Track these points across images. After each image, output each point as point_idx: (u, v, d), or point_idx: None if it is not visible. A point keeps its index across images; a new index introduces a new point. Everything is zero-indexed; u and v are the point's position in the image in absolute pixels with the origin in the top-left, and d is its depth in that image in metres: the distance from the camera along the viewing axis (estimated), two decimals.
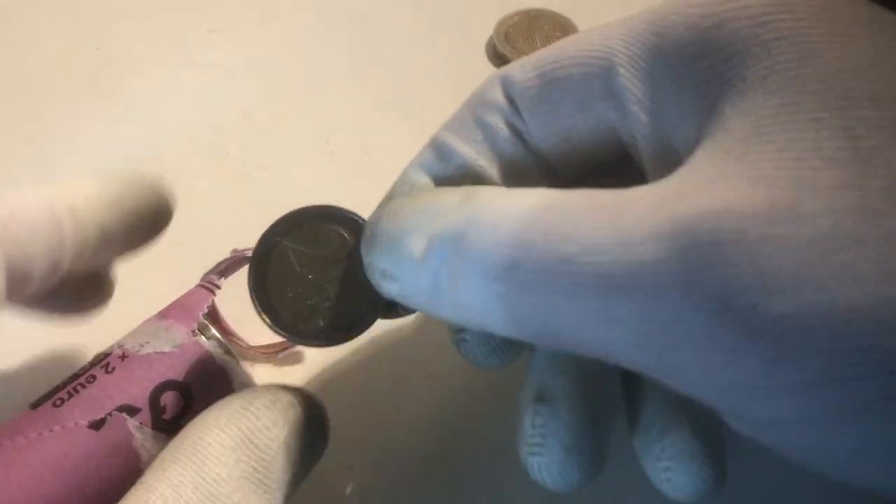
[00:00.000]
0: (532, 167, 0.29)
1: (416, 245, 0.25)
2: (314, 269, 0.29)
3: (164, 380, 0.29)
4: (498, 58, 0.54)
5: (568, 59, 0.27)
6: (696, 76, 0.23)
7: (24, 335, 0.40)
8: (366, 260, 0.27)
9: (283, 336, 0.28)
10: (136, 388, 0.29)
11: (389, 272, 0.26)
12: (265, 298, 0.28)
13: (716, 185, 0.20)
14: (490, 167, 0.29)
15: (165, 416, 0.29)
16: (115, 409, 0.28)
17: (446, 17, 0.56)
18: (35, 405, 0.30)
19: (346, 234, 0.29)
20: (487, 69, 0.53)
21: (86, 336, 0.33)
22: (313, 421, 0.27)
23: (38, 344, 0.38)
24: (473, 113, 0.29)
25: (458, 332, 0.28)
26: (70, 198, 0.26)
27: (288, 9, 0.56)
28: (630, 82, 0.25)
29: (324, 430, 0.28)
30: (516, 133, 0.29)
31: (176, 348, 0.30)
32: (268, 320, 0.28)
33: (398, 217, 0.26)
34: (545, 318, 0.22)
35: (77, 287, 0.30)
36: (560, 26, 0.55)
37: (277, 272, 0.29)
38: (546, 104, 0.28)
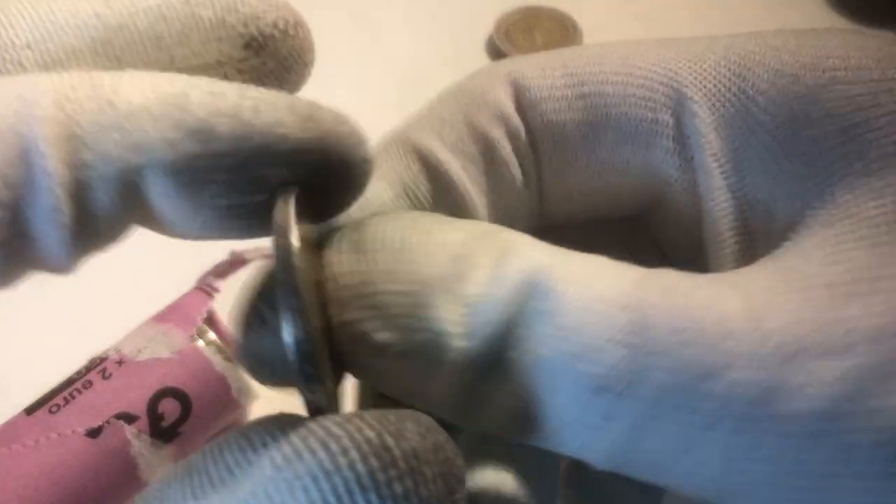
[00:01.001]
0: (522, 203, 0.23)
1: (449, 312, 0.17)
2: None
3: (162, 386, 0.29)
4: (498, 55, 0.53)
5: (615, 74, 0.22)
6: (799, 141, 0.20)
7: (19, 334, 0.39)
8: (336, 313, 0.18)
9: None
10: (134, 395, 0.29)
11: (398, 349, 0.17)
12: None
13: (872, 296, 0.17)
14: (479, 196, 0.22)
15: (164, 424, 0.29)
16: (112, 417, 0.28)
17: (446, 14, 0.56)
18: (30, 410, 0.29)
19: None
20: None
21: (81, 338, 0.33)
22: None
23: (32, 345, 0.38)
24: (470, 119, 0.22)
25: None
26: None
27: None
28: (706, 126, 0.21)
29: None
30: (519, 154, 0.22)
31: (174, 354, 0.30)
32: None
33: (412, 257, 0.18)
34: (663, 450, 0.17)
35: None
36: (560, 23, 0.55)
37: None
38: (579, 128, 0.22)
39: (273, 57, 0.20)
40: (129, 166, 0.16)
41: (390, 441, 0.15)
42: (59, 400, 0.29)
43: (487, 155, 0.22)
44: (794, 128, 0.20)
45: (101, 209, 0.16)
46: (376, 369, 0.18)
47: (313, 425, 0.15)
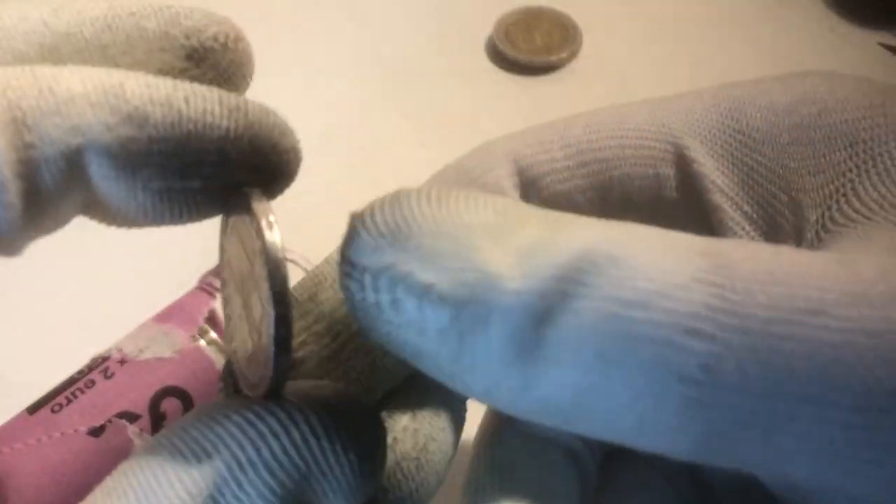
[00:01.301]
0: None
1: (500, 255, 0.15)
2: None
3: (164, 386, 0.29)
4: (498, 55, 0.53)
5: (610, 139, 0.22)
6: (808, 160, 0.21)
7: (21, 334, 0.39)
8: (371, 261, 0.16)
9: None
10: (136, 395, 0.29)
11: (443, 289, 0.15)
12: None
13: None
14: None
15: (165, 423, 0.29)
16: (114, 416, 0.28)
17: (446, 15, 0.56)
18: (33, 409, 0.29)
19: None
20: (487, 67, 0.53)
21: (83, 337, 0.33)
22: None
23: (34, 344, 0.38)
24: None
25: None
26: None
27: (287, 8, 0.56)
28: (708, 168, 0.22)
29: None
30: None
31: (176, 353, 0.30)
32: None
33: (454, 204, 0.16)
34: (766, 423, 0.15)
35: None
36: (560, 24, 0.55)
37: None
38: (585, 194, 0.22)
39: (213, 68, 0.21)
40: (69, 147, 0.17)
41: (332, 400, 0.18)
42: (61, 399, 0.29)
43: None
44: (798, 150, 0.21)
45: (45, 188, 0.17)
46: (413, 322, 0.16)
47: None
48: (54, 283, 0.40)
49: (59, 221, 0.19)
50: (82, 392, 0.29)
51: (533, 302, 0.15)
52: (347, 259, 0.16)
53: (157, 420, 0.29)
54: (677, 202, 0.22)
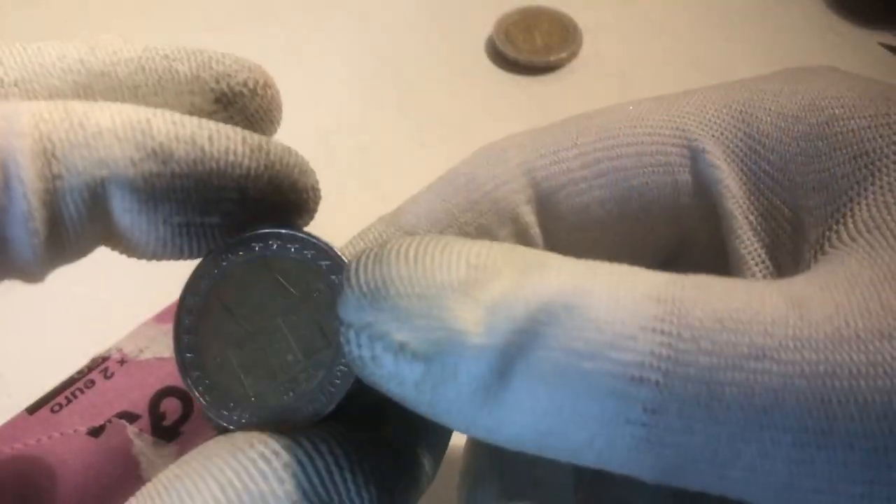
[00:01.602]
0: None
1: (466, 313, 0.17)
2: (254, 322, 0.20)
3: (163, 386, 0.29)
4: (498, 55, 0.53)
5: (627, 146, 0.22)
6: (813, 173, 0.21)
7: (21, 334, 0.39)
8: (354, 318, 0.17)
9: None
10: (136, 395, 0.29)
11: (415, 347, 0.17)
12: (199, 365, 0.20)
13: None
14: None
15: (165, 423, 0.29)
16: (114, 416, 0.28)
17: (445, 15, 0.56)
18: (32, 410, 0.29)
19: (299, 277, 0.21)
20: (487, 67, 0.53)
21: (82, 337, 0.33)
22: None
23: (34, 344, 0.38)
24: (476, 217, 0.23)
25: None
26: None
27: (287, 7, 0.56)
28: (723, 174, 0.22)
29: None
30: (527, 240, 0.23)
31: None
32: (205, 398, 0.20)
33: (429, 262, 0.17)
34: (718, 443, 0.16)
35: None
36: (560, 23, 0.55)
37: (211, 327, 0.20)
38: (603, 205, 0.22)
39: (241, 112, 0.22)
40: (94, 179, 0.18)
41: (353, 432, 0.19)
42: (60, 399, 0.29)
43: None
44: (805, 162, 0.21)
45: (69, 218, 0.18)
46: (392, 375, 0.17)
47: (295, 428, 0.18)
48: (54, 283, 0.40)
49: (82, 251, 0.20)
50: (82, 392, 0.29)
51: (495, 354, 0.16)
52: (337, 314, 0.18)
53: (157, 420, 0.29)
54: (696, 209, 0.22)
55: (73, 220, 0.18)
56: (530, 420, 0.17)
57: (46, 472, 0.27)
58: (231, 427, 0.19)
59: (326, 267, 0.20)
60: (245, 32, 0.54)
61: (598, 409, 0.16)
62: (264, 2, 0.56)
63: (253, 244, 0.20)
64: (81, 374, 0.30)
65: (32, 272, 0.19)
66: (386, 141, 0.48)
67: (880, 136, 0.20)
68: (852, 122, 0.21)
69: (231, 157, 0.19)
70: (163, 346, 0.30)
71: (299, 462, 0.17)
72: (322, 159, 0.48)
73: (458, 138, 0.47)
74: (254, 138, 0.20)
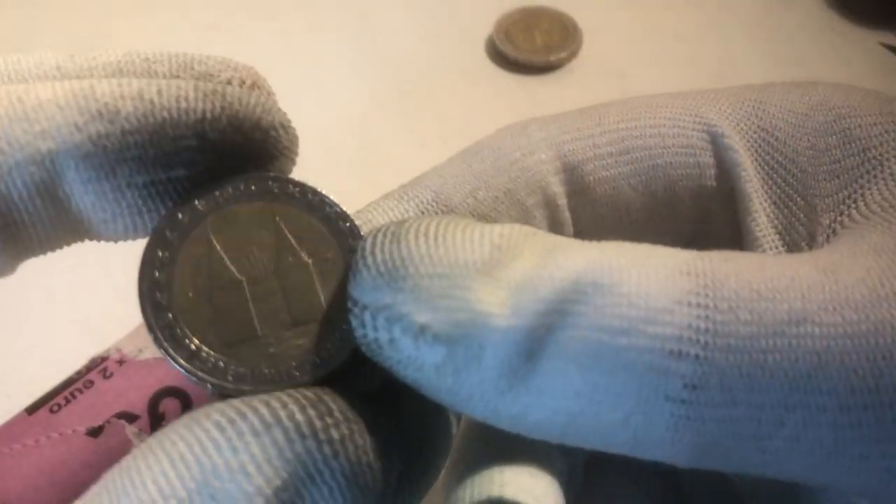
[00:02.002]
0: None
1: (490, 294, 0.16)
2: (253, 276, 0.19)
3: (163, 386, 0.29)
4: (498, 55, 0.53)
5: (650, 127, 0.22)
6: (824, 164, 0.22)
7: (20, 334, 0.39)
8: (371, 299, 0.17)
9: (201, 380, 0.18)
10: (135, 395, 0.29)
11: (437, 329, 0.16)
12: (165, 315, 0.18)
13: None
14: None
15: (164, 423, 0.29)
16: (113, 416, 0.28)
17: (445, 14, 0.56)
18: (31, 410, 0.29)
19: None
20: (487, 67, 0.53)
21: (81, 337, 0.33)
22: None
23: (33, 344, 0.38)
24: (506, 183, 0.22)
25: None
26: None
27: (287, 7, 0.56)
28: (742, 157, 0.22)
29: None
30: (555, 222, 0.22)
31: None
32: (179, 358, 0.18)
33: (451, 241, 0.17)
34: (760, 418, 0.16)
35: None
36: (560, 23, 0.55)
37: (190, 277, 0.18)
38: (628, 181, 0.22)
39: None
40: (39, 152, 0.17)
41: (326, 396, 0.16)
42: (59, 399, 0.29)
43: (520, 223, 0.21)
44: (815, 155, 0.21)
45: (19, 197, 0.17)
46: (411, 359, 0.17)
47: (258, 394, 0.16)
48: (53, 284, 0.40)
49: (47, 239, 0.19)
50: (81, 392, 0.29)
51: (522, 336, 0.16)
52: (350, 295, 0.17)
53: (156, 420, 0.29)
54: (716, 191, 0.22)
55: (24, 201, 0.17)
56: (561, 403, 0.16)
57: (45, 472, 0.27)
58: (180, 370, 0.18)
59: (338, 234, 0.19)
60: (245, 32, 0.54)
61: (636, 387, 0.16)
62: (264, 1, 0.56)
63: (254, 186, 0.19)
64: (80, 374, 0.30)
65: None
66: (386, 140, 0.48)
67: (885, 132, 0.21)
68: (859, 119, 0.21)
69: (183, 104, 0.18)
70: None
71: (254, 431, 0.15)
72: (322, 158, 0.48)
73: (458, 138, 0.47)
74: (207, 84, 0.18)
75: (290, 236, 0.19)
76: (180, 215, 0.18)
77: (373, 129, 0.49)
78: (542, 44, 0.54)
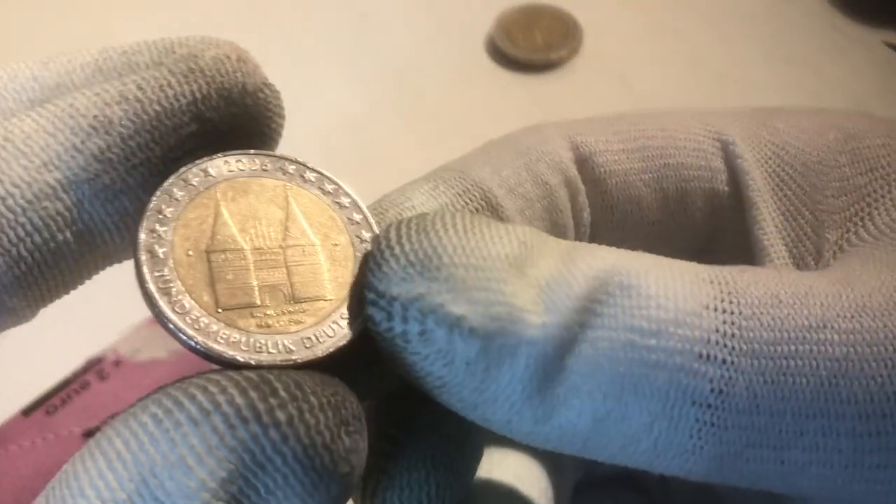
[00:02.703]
0: None
1: (523, 290, 0.16)
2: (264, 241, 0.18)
3: (159, 387, 0.29)
4: (498, 54, 0.53)
5: (661, 130, 0.22)
6: (833, 180, 0.22)
7: (16, 335, 0.39)
8: (400, 290, 0.16)
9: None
10: (132, 396, 0.28)
11: (474, 322, 0.15)
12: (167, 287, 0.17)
13: None
14: None
15: None
16: (109, 418, 0.28)
17: (445, 13, 0.56)
18: (27, 411, 0.29)
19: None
20: (487, 65, 0.53)
21: (77, 338, 0.33)
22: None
23: (30, 345, 0.37)
24: (529, 164, 0.21)
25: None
26: None
27: (286, 7, 0.56)
28: (750, 165, 0.22)
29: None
30: (575, 204, 0.22)
31: (171, 355, 0.29)
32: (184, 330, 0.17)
33: (480, 234, 0.16)
34: (777, 439, 0.16)
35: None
36: (561, 21, 0.54)
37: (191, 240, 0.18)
38: (640, 177, 0.22)
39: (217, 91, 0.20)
40: (49, 185, 0.16)
41: (270, 376, 0.15)
42: (56, 401, 0.29)
43: (545, 200, 0.21)
44: (824, 171, 0.22)
45: (41, 240, 0.16)
46: (442, 353, 0.16)
47: (194, 377, 0.15)
48: None
49: (71, 278, 0.18)
50: (77, 393, 0.29)
51: (557, 334, 0.15)
52: (373, 287, 0.16)
53: None
54: (729, 196, 0.22)
55: (46, 241, 0.16)
56: (588, 405, 0.16)
57: (41, 473, 0.27)
58: (169, 325, 0.17)
59: (351, 222, 0.18)
60: (245, 32, 0.54)
61: (664, 389, 0.15)
62: (264, 1, 0.55)
63: (270, 164, 0.19)
64: (76, 375, 0.30)
65: (14, 309, 0.17)
66: (385, 140, 0.48)
67: (892, 153, 0.21)
68: (868, 140, 0.22)
69: (169, 91, 0.17)
70: (158, 346, 0.30)
71: (192, 420, 0.14)
72: (322, 159, 0.48)
73: (457, 137, 0.47)
74: (178, 65, 0.18)
75: (300, 215, 0.18)
76: (191, 176, 0.18)
77: (372, 128, 0.49)
78: (543, 42, 0.53)
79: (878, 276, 0.17)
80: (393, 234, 0.16)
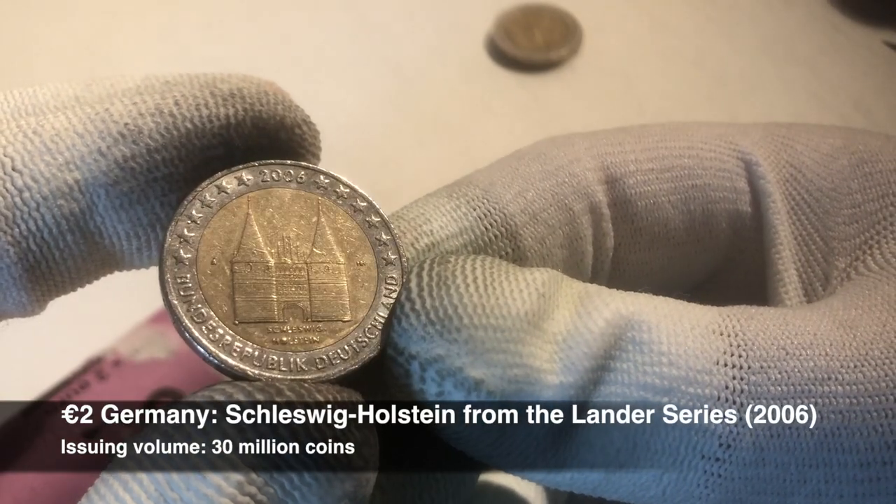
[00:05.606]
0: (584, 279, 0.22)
1: (540, 348, 0.16)
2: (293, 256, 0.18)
3: (159, 387, 0.29)
4: (498, 54, 0.53)
5: (688, 149, 0.23)
6: (845, 206, 0.22)
7: (16, 335, 0.39)
8: (419, 348, 0.16)
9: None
10: (131, 396, 0.28)
11: (491, 385, 0.16)
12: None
13: None
14: (556, 266, 0.21)
15: None
16: (109, 418, 0.28)
17: (445, 12, 0.56)
18: (27, 412, 0.29)
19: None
20: (487, 65, 0.53)
21: (76, 338, 0.33)
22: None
23: (29, 346, 0.37)
24: (554, 188, 0.21)
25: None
26: None
27: (286, 5, 0.56)
28: (772, 187, 0.22)
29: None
30: (598, 230, 0.22)
31: (171, 355, 0.29)
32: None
33: (499, 289, 0.17)
34: (780, 488, 0.16)
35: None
36: (561, 21, 0.54)
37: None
38: (668, 197, 0.22)
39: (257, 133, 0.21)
40: (66, 184, 0.16)
41: (274, 381, 0.16)
42: (55, 401, 0.29)
43: (567, 227, 0.21)
44: (837, 198, 0.22)
45: (49, 236, 0.17)
46: (458, 413, 0.16)
47: (201, 390, 0.15)
48: None
49: (78, 276, 0.18)
50: (76, 393, 0.29)
51: (572, 393, 0.16)
52: (393, 343, 0.16)
53: None
54: (751, 218, 0.23)
55: (55, 237, 0.17)
56: (600, 458, 0.16)
57: (41, 474, 0.27)
58: (185, 332, 0.17)
59: (378, 243, 0.19)
60: (245, 32, 0.54)
61: (675, 445, 0.16)
62: (264, 1, 0.56)
63: (304, 175, 0.19)
64: (76, 376, 0.30)
65: (22, 305, 0.17)
66: (385, 140, 0.48)
67: None
68: (879, 164, 0.22)
69: (204, 111, 0.17)
70: (158, 347, 0.30)
71: (201, 430, 0.15)
72: (321, 159, 0.48)
73: (457, 137, 0.47)
74: (223, 86, 0.18)
75: (329, 233, 0.18)
76: (225, 182, 0.18)
77: (372, 128, 0.49)
78: (543, 41, 0.53)
79: (879, 318, 0.17)
80: (414, 286, 0.17)
